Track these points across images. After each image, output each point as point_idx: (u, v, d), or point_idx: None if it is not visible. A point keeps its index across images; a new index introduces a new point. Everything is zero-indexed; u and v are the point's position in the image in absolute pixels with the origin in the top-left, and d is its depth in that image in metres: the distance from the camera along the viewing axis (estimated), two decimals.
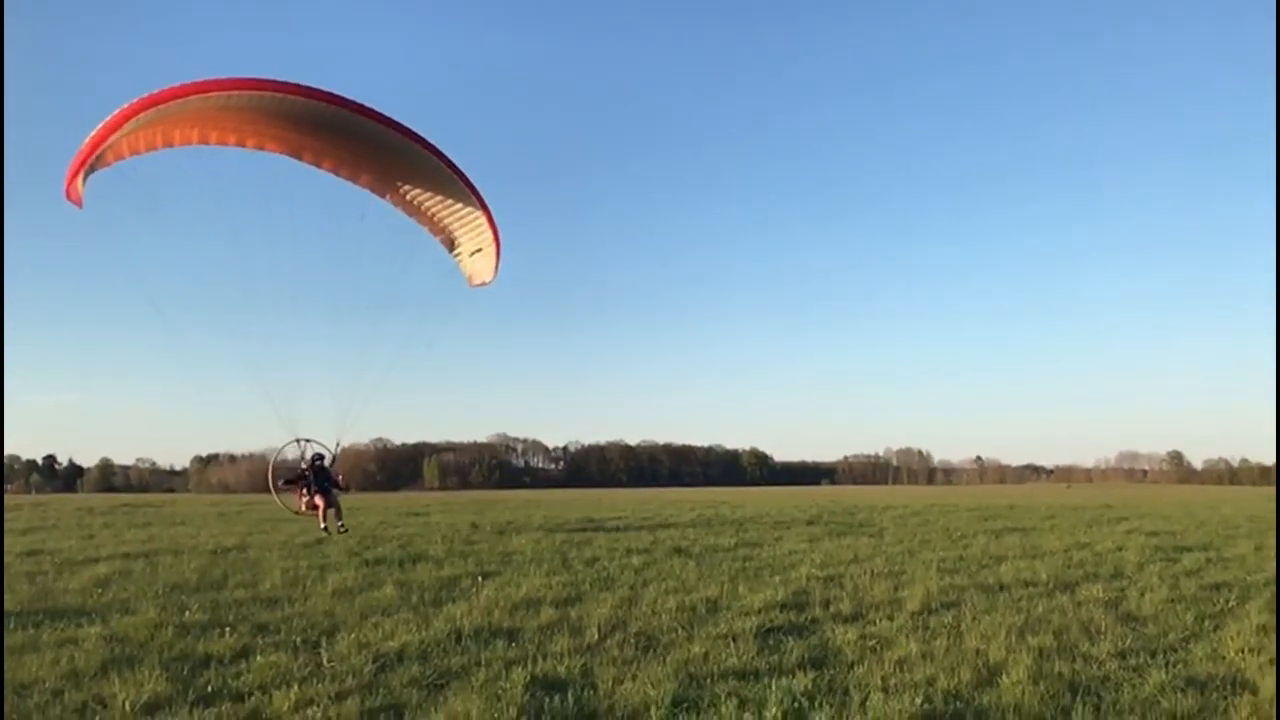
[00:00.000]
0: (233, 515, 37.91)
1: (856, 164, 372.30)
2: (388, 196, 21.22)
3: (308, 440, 24.14)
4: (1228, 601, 13.96)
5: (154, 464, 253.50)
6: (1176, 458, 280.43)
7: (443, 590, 15.09)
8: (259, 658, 10.17)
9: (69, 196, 16.87)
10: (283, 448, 24.54)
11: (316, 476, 24.53)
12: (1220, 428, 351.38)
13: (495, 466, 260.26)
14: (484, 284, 22.64)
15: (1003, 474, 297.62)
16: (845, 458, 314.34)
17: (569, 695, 8.63)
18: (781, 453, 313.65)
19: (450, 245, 22.34)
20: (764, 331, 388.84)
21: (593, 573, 17.22)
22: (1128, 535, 25.28)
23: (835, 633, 11.66)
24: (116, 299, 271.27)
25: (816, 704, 8.41)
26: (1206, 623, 12.29)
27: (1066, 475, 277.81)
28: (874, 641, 11.11)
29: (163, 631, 11.52)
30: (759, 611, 13.02)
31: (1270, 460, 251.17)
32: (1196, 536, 24.89)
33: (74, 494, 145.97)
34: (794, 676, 9.32)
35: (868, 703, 8.44)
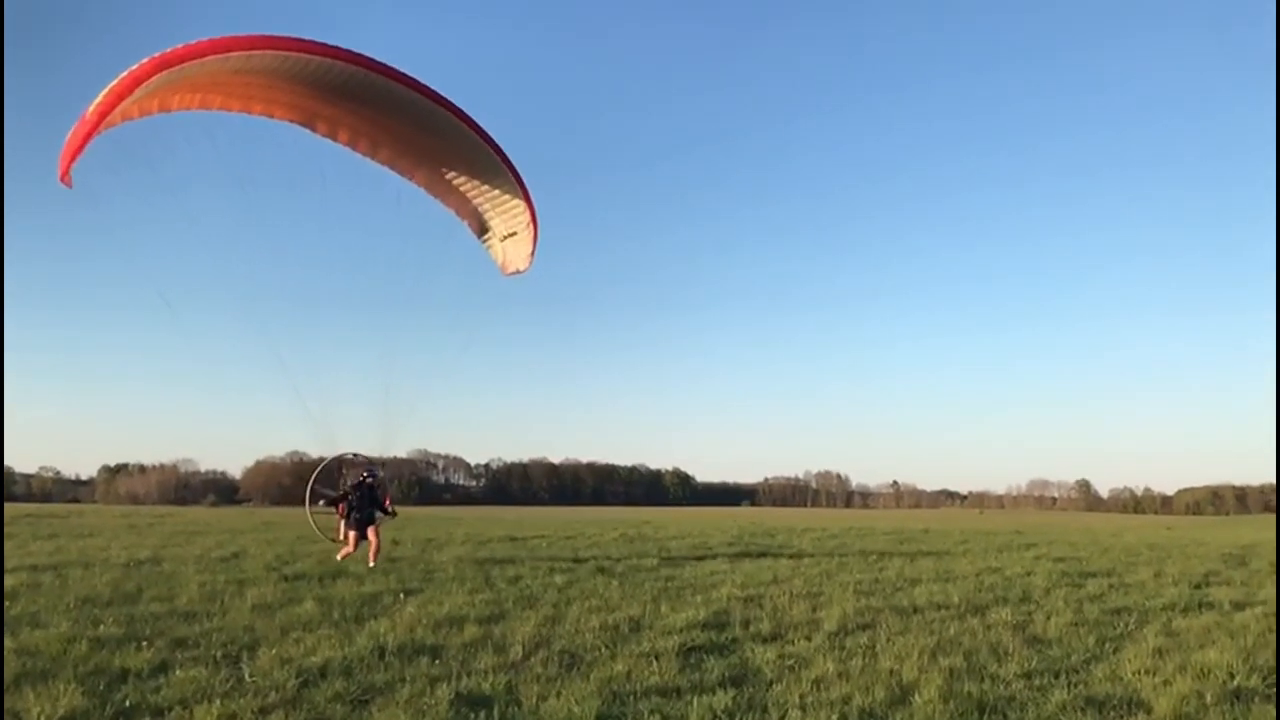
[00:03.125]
0: (144, 527, 36.91)
1: (779, 188, 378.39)
2: (409, 173, 19.00)
3: (354, 455, 21.13)
4: (1127, 625, 14.55)
5: (58, 473, 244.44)
6: (1084, 486, 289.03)
7: (364, 606, 14.99)
8: (178, 672, 10.04)
9: (64, 178, 14.13)
10: (329, 460, 21.36)
11: (360, 501, 20.84)
12: (1126, 459, 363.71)
13: (415, 483, 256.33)
14: (518, 272, 20.27)
15: (918, 499, 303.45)
16: (766, 479, 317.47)
17: (494, 712, 8.74)
18: (704, 473, 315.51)
19: (480, 229, 20.10)
20: (688, 353, 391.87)
21: (516, 591, 17.25)
22: (1036, 561, 26.05)
23: (755, 652, 11.90)
24: (20, 292, 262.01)
25: None
26: (1107, 645, 12.81)
27: (979, 501, 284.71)
28: (792, 661, 11.39)
29: (76, 645, 11.27)
30: (681, 631, 13.21)
31: (1169, 490, 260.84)
32: (1100, 563, 25.78)
33: None
34: (714, 694, 9.52)
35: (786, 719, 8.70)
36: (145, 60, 13.90)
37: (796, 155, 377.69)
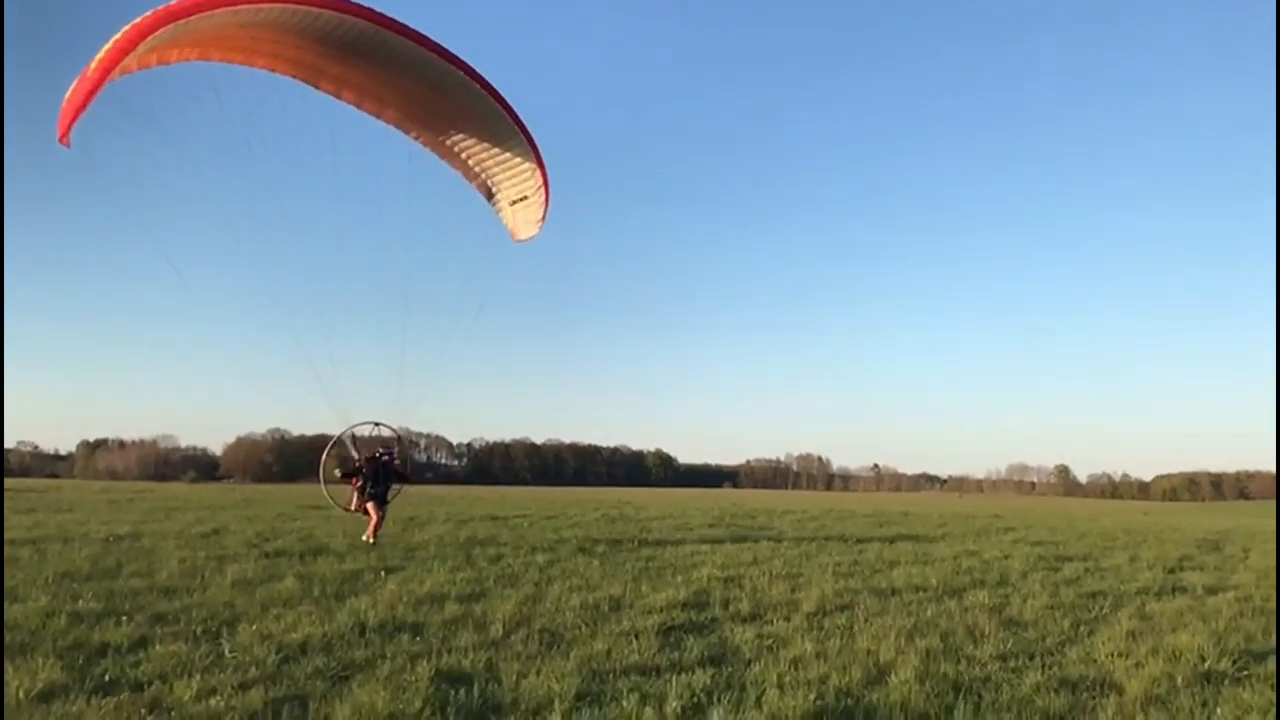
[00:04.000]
0: (124, 503, 36.80)
1: (762, 173, 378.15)
2: (417, 134, 18.33)
3: (375, 424, 20.38)
4: (1102, 609, 14.73)
5: (36, 447, 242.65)
6: (1064, 471, 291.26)
7: (345, 584, 15.00)
8: (158, 647, 10.05)
9: (64, 139, 13.33)
10: (347, 430, 20.30)
11: (376, 476, 20.49)
12: (1104, 445, 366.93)
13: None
14: (529, 239, 19.64)
15: (898, 482, 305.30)
16: (747, 461, 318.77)
17: (474, 688, 8.77)
18: (686, 455, 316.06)
19: (488, 193, 19.35)
20: (672, 334, 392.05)
21: (497, 569, 17.30)
22: (1014, 545, 26.28)
23: (734, 632, 12.00)
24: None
25: (715, 699, 8.72)
26: (1081, 628, 12.98)
27: (959, 485, 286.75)
28: (771, 641, 11.49)
29: (55, 620, 11.26)
30: (661, 610, 13.29)
31: (1147, 476, 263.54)
32: (1077, 547, 26.03)
33: None
34: (693, 673, 9.60)
35: (763, 699, 8.78)
36: (150, 13, 13.30)
37: (784, 142, 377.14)
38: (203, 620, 11.65)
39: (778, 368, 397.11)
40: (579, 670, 9.63)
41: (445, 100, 17.44)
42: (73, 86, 13.52)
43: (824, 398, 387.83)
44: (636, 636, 11.38)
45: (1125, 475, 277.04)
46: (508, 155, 18.61)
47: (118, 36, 13.27)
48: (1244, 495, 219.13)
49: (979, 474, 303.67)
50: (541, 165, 18.51)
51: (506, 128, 18.01)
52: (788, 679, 9.55)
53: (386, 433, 20.98)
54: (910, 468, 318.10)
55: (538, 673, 9.49)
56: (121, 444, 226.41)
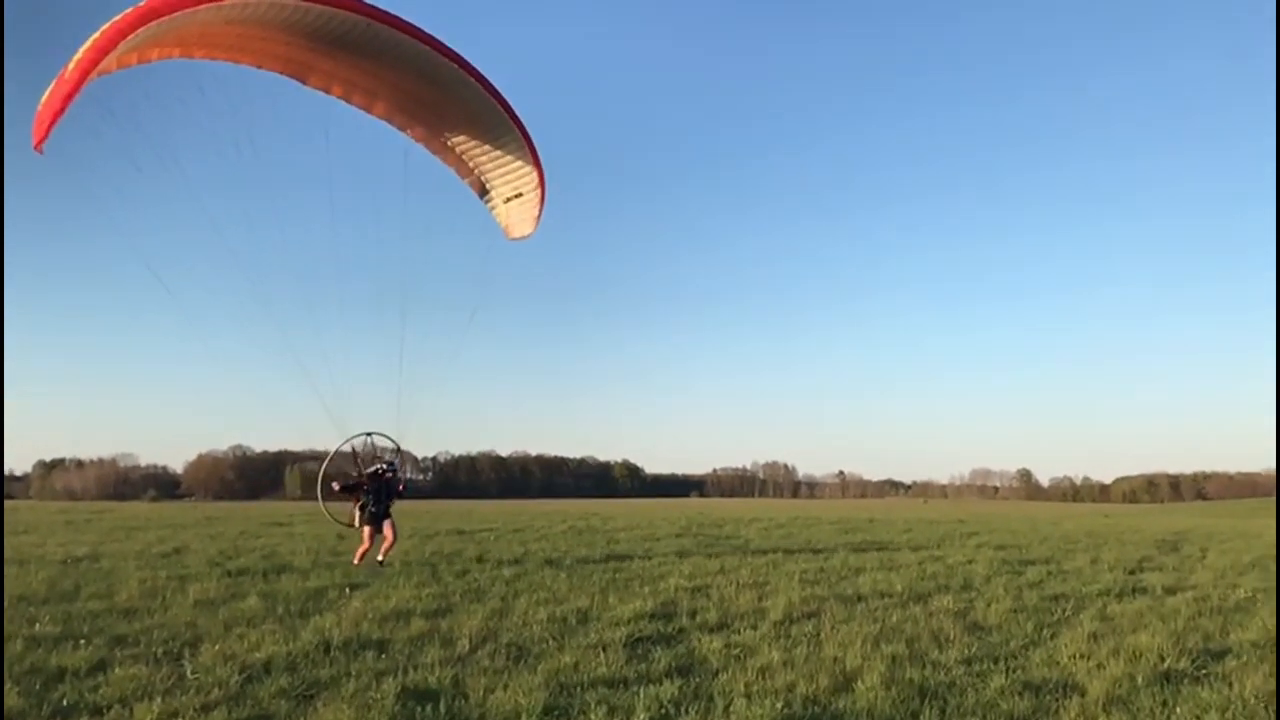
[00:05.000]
0: (82, 523, 36.17)
1: (726, 178, 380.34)
2: (408, 128, 17.70)
3: (368, 434, 19.38)
4: (1064, 611, 14.91)
5: None
6: (1025, 475, 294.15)
7: (309, 601, 14.86)
8: (117, 670, 9.89)
9: (39, 146, 12.55)
10: (345, 443, 19.22)
11: (378, 492, 19.36)
12: (1065, 448, 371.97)
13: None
14: (524, 237, 18.96)
15: (864, 489, 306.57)
16: (714, 470, 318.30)
17: (440, 705, 8.72)
18: (653, 465, 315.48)
19: (481, 190, 18.69)
20: (635, 344, 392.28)
21: (463, 584, 17.20)
22: (978, 549, 26.53)
23: (701, 642, 12.01)
24: None
25: (683, 710, 8.72)
26: (1044, 631, 13.13)
27: (923, 491, 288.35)
28: (738, 650, 11.52)
29: (11, 644, 11.05)
30: (628, 622, 13.28)
31: (1107, 479, 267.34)
32: (1040, 551, 26.34)
33: None
34: (661, 684, 9.61)
35: (731, 708, 8.80)
36: (130, 10, 12.54)
37: (748, 147, 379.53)
38: (164, 641, 11.48)
39: (744, 376, 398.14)
40: (546, 684, 9.60)
41: (437, 93, 16.89)
42: (49, 90, 12.73)
43: (789, 406, 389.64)
44: (604, 649, 11.36)
45: (1086, 478, 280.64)
46: (502, 151, 18.02)
47: (96, 36, 12.54)
48: (1201, 496, 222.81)
49: (943, 479, 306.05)
50: (538, 161, 17.98)
51: (501, 122, 17.46)
52: (755, 688, 9.57)
53: (384, 443, 20.02)
54: (875, 474, 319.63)
55: (505, 688, 9.44)
56: (79, 463, 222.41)
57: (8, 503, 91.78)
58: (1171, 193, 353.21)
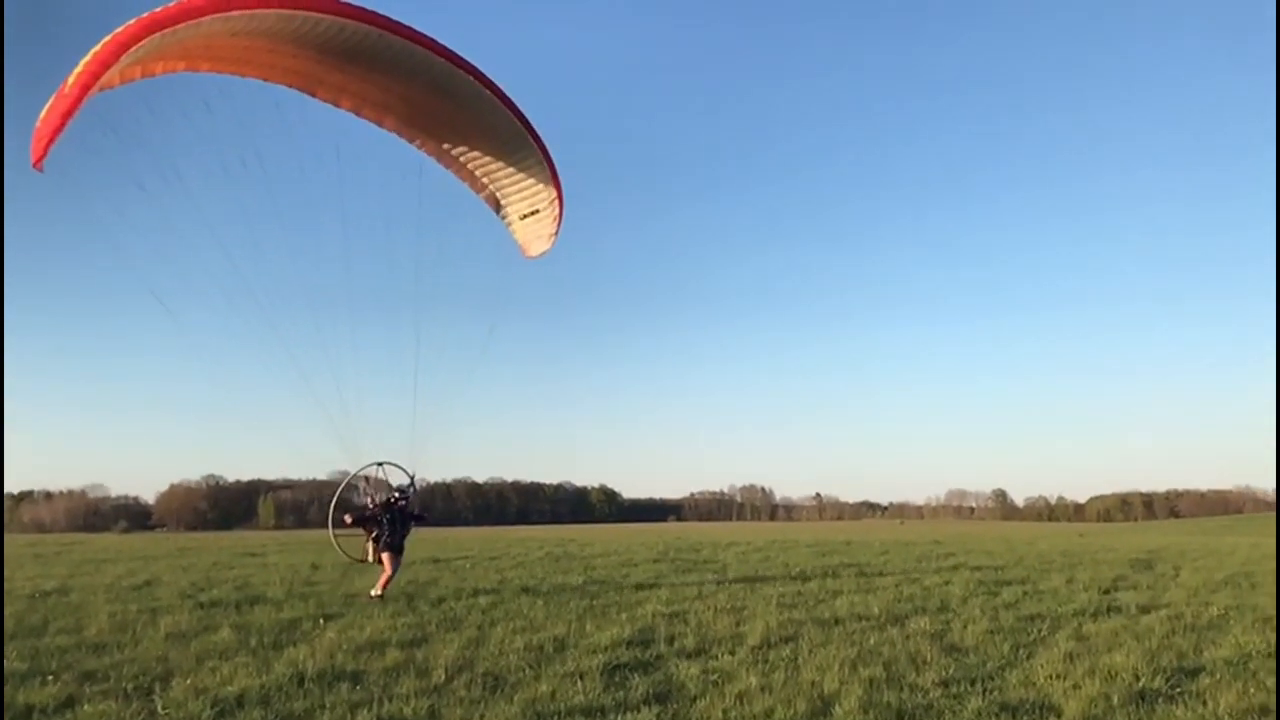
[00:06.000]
0: (51, 556, 35.50)
1: (704, 196, 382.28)
2: (420, 142, 17.35)
3: (379, 464, 18.95)
4: (1040, 631, 14.96)
5: None
6: (1001, 496, 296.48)
7: (283, 633, 14.68)
8: (87, 706, 9.76)
9: (39, 163, 12.15)
10: (356, 473, 18.87)
11: (392, 522, 18.90)
12: (1040, 468, 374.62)
13: (337, 505, 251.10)
14: (540, 255, 18.53)
15: (840, 511, 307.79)
16: (691, 495, 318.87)
17: None
18: (630, 490, 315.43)
19: (496, 206, 18.31)
20: (612, 369, 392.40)
21: (439, 613, 17.05)
22: (954, 570, 26.57)
23: (679, 668, 11.96)
24: None
25: None
26: (1021, 651, 13.18)
27: (900, 512, 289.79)
28: (716, 675, 11.47)
29: None
30: (605, 649, 13.21)
31: (1082, 498, 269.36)
32: (1015, 571, 26.41)
33: None
34: (639, 712, 9.57)
35: None
36: (132, 21, 12.27)
37: (723, 172, 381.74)
38: (134, 676, 11.32)
39: (720, 400, 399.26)
40: (523, 714, 9.54)
41: (452, 106, 16.59)
42: (48, 105, 12.41)
43: (765, 430, 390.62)
44: (581, 677, 11.29)
45: (1061, 498, 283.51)
46: (518, 166, 17.67)
47: (97, 49, 12.24)
48: (1174, 514, 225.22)
49: (919, 500, 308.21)
50: (556, 177, 17.62)
51: (518, 136, 17.09)
52: (734, 714, 9.55)
53: (395, 474, 19.59)
54: (851, 496, 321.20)
55: (481, 717, 9.37)
56: (48, 495, 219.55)
57: None
58: (1146, 214, 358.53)
